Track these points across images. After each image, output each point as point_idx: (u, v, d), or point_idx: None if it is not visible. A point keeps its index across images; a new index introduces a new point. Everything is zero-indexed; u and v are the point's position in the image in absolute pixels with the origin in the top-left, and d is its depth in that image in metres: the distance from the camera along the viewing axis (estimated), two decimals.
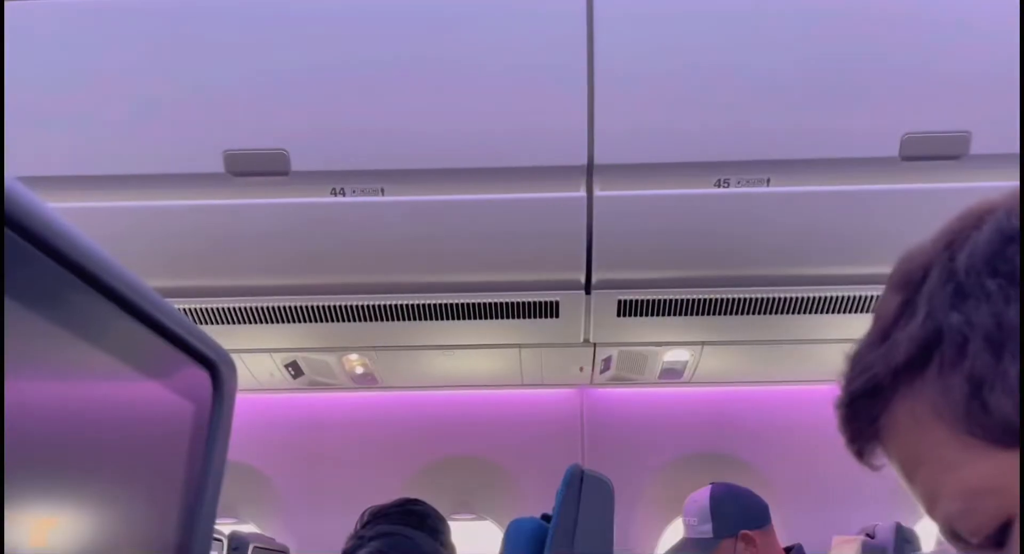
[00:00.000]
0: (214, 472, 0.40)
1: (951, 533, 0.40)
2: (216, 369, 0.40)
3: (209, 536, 0.40)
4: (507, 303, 2.39)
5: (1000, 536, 0.37)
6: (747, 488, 1.99)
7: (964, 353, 0.37)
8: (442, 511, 1.50)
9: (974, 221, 0.39)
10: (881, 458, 0.45)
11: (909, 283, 0.40)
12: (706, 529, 1.89)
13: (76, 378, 0.31)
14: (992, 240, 0.38)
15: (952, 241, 0.39)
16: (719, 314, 2.43)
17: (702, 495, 1.95)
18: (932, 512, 0.41)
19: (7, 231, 0.25)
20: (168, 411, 0.37)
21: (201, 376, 0.40)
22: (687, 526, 1.96)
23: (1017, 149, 1.52)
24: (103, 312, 0.32)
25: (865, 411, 0.42)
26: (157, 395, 0.36)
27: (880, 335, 0.41)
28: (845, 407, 0.43)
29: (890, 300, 0.41)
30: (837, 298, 2.33)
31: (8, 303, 0.25)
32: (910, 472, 0.42)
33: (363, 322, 2.46)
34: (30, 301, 0.27)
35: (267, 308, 2.39)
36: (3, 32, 1.70)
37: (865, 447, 0.44)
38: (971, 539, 0.38)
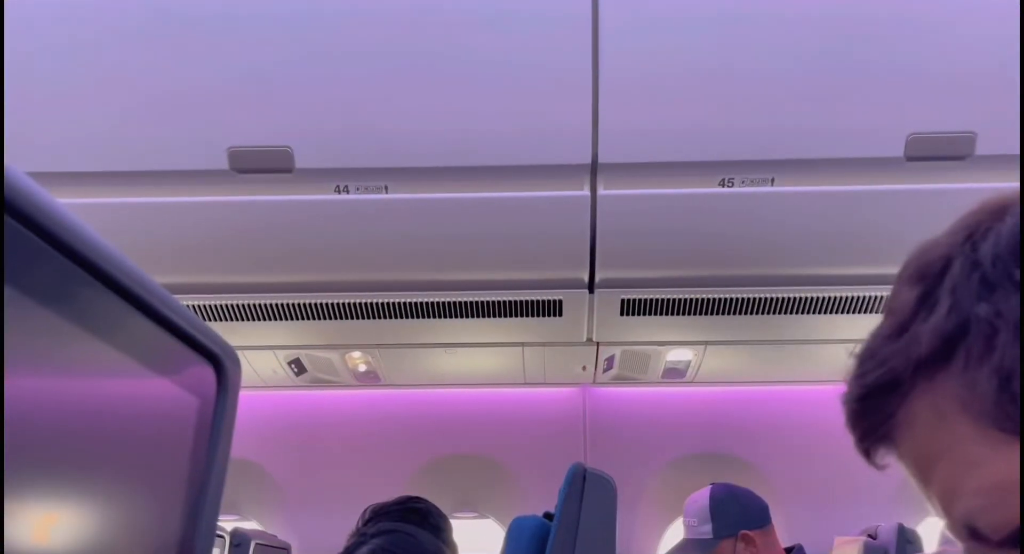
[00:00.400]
0: (218, 466, 0.40)
1: (970, 532, 0.38)
2: (221, 364, 0.40)
3: (212, 529, 0.40)
4: (510, 301, 2.39)
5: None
6: (747, 488, 2.00)
7: (992, 345, 0.36)
8: (444, 509, 1.50)
9: (993, 214, 0.39)
10: (886, 457, 0.43)
11: (927, 276, 0.39)
12: (706, 530, 1.89)
13: (82, 372, 0.31)
14: (1017, 232, 0.37)
15: (971, 234, 0.39)
16: (722, 314, 2.43)
17: (702, 496, 1.95)
18: (950, 510, 0.39)
19: (18, 226, 0.25)
20: (173, 405, 0.37)
21: (206, 371, 0.40)
22: (687, 527, 1.96)
23: None
24: (110, 307, 0.32)
25: (880, 407, 0.41)
26: (162, 390, 0.36)
27: (897, 329, 0.40)
28: (858, 402, 0.42)
29: (906, 293, 0.40)
30: (841, 298, 2.32)
31: (18, 297, 0.26)
32: (926, 469, 0.40)
33: (366, 320, 2.46)
34: (39, 295, 0.27)
35: (270, 305, 2.40)
36: (3, 30, 1.70)
37: (876, 445, 0.43)
38: (992, 536, 0.37)
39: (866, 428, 0.43)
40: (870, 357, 0.41)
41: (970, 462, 0.37)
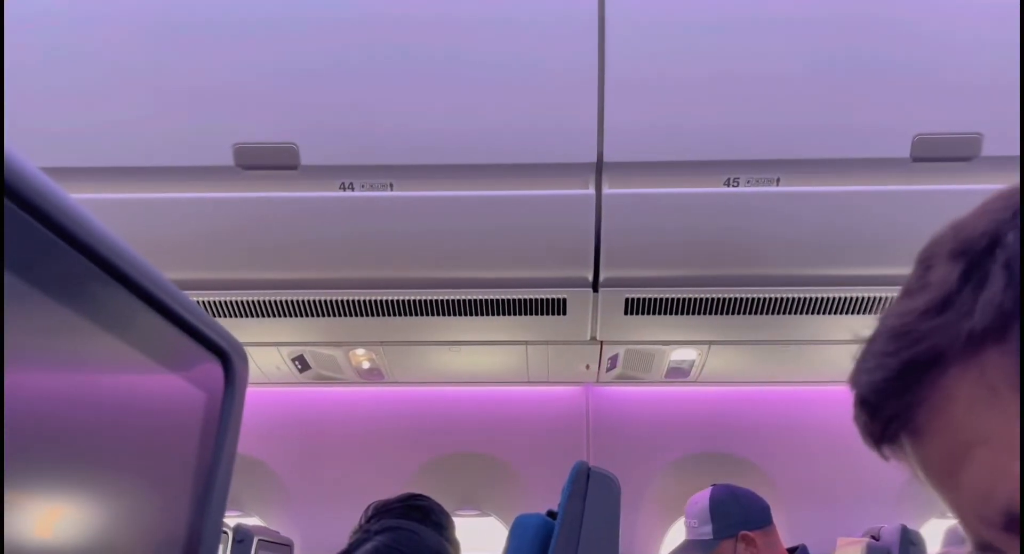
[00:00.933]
0: (225, 461, 0.40)
1: (1007, 522, 0.36)
2: (228, 360, 0.40)
3: (220, 523, 0.40)
4: (514, 300, 2.39)
5: None
6: (748, 489, 2.00)
7: None
8: (447, 507, 1.50)
9: None
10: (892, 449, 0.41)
11: (970, 251, 0.37)
12: (706, 530, 1.90)
13: (92, 366, 0.31)
14: None
15: (1017, 211, 0.37)
16: (727, 313, 2.43)
17: (703, 497, 1.95)
18: (988, 498, 0.37)
19: (31, 220, 0.26)
20: (181, 400, 0.37)
21: (213, 367, 0.40)
22: (688, 527, 1.97)
23: None
24: (121, 302, 0.32)
25: (913, 386, 0.38)
26: (171, 384, 0.36)
27: (939, 304, 0.37)
28: (890, 381, 0.39)
29: (944, 269, 0.38)
30: (846, 299, 2.32)
31: (29, 291, 0.26)
32: (956, 456, 0.38)
33: (370, 317, 2.46)
34: (50, 289, 0.27)
35: (274, 302, 2.40)
36: (3, 29, 1.71)
37: (899, 432, 0.40)
38: None
39: (893, 413, 0.40)
40: (903, 334, 0.39)
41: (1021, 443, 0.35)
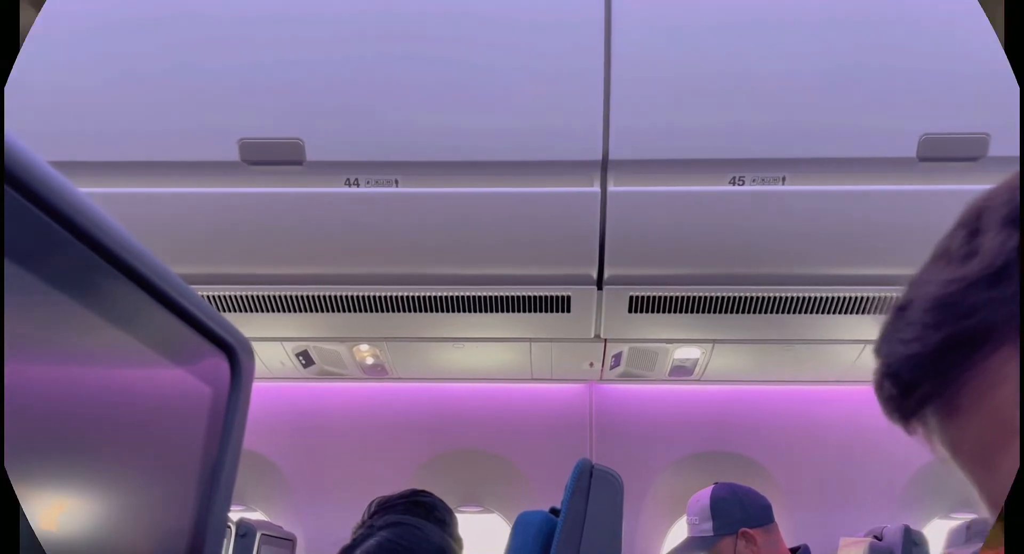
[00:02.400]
0: (231, 456, 0.40)
1: None
2: (235, 355, 0.41)
3: (224, 519, 0.41)
4: (519, 297, 2.39)
5: None
6: (749, 487, 2.00)
7: None
8: (449, 503, 1.51)
9: None
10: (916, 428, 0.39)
11: None
12: (707, 527, 1.90)
13: (99, 360, 0.31)
14: None
15: None
16: (731, 312, 2.42)
17: (704, 494, 1.96)
18: None
19: (40, 214, 0.26)
20: (187, 395, 0.37)
21: (220, 362, 0.40)
22: (690, 525, 1.98)
23: None
24: (129, 296, 0.32)
25: (960, 362, 0.35)
26: (177, 379, 0.36)
27: (993, 275, 0.34)
28: (933, 356, 0.36)
29: (1000, 236, 0.34)
30: (850, 299, 2.31)
31: (38, 284, 0.26)
32: (1002, 439, 0.35)
33: (375, 313, 2.47)
34: (58, 283, 0.27)
35: (279, 297, 2.40)
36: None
37: (940, 408, 0.37)
38: None
39: (930, 390, 0.36)
40: (949, 304, 0.35)
41: None
